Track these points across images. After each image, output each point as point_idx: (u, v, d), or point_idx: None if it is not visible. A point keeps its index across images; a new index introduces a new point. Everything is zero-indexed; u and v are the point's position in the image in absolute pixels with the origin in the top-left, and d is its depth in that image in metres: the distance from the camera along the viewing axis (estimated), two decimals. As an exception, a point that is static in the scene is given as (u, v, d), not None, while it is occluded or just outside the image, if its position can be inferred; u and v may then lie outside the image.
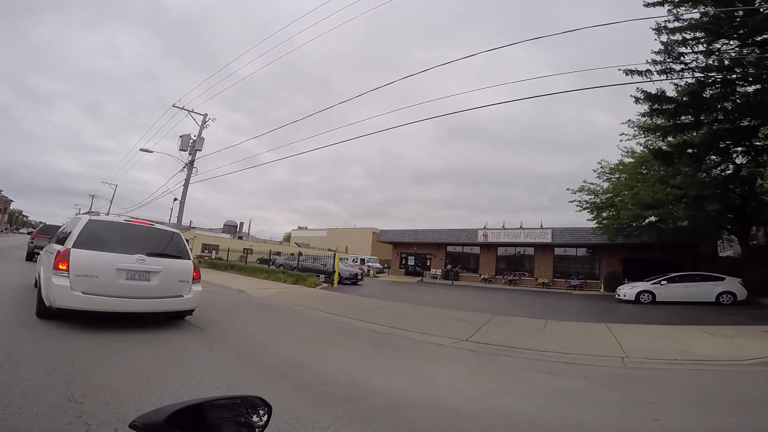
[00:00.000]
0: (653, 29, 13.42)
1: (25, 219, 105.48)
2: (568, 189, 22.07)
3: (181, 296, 5.50)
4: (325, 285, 16.41)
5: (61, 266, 4.62)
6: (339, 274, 17.77)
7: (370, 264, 34.52)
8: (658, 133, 15.62)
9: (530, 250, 27.76)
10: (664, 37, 13.48)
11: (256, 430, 0.87)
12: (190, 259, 5.87)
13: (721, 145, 15.03)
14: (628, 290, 17.04)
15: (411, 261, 33.59)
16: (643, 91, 14.20)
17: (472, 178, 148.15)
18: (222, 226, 52.53)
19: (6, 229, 65.84)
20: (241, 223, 58.78)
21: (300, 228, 76.42)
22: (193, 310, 5.79)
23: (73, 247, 4.81)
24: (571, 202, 22.04)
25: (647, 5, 13.26)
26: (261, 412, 0.92)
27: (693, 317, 10.76)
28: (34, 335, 4.29)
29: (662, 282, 16.59)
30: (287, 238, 72.58)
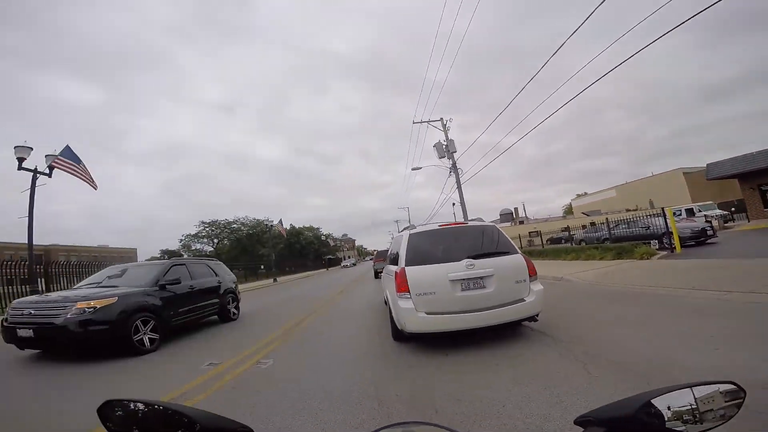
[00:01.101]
0: None
1: (365, 250, 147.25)
2: None
3: (523, 300, 4.47)
4: (662, 253, 12.26)
5: (402, 288, 4.46)
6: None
7: (706, 213, 24.99)
8: None
9: None
10: None
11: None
12: (517, 252, 4.82)
13: None
14: None
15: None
16: None
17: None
18: (498, 217, 53.33)
19: (357, 261, 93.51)
20: (516, 209, 57.81)
21: (579, 195, 67.43)
22: (537, 315, 4.66)
23: (406, 265, 4.60)
24: None
25: None
26: (728, 399, 0.74)
27: None
28: (396, 364, 4.15)
29: None
30: (569, 210, 65.64)
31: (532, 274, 4.65)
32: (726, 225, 24.77)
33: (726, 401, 0.75)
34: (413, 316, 4.31)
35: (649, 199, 43.35)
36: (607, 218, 17.82)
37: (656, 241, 13.44)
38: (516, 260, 4.66)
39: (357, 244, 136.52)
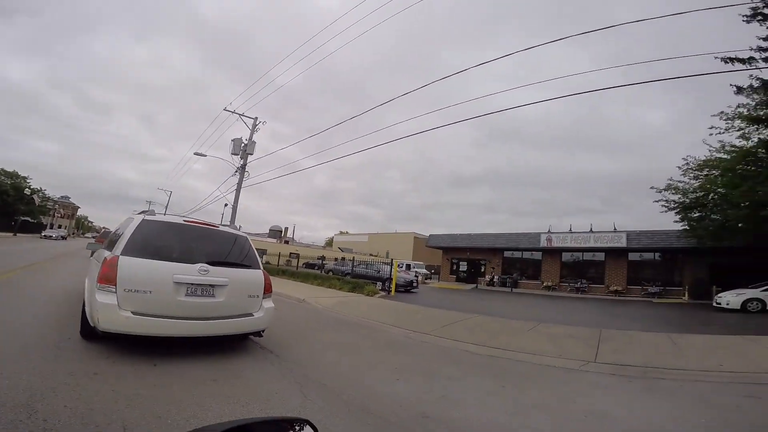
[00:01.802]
0: (745, 16, 12.17)
1: (90, 224, 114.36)
2: (652, 188, 19.84)
3: (251, 315, 4.48)
4: (382, 293, 15.28)
5: (108, 279, 3.68)
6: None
7: (417, 270, 33.13)
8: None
9: (600, 256, 25.25)
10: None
11: None
12: (260, 268, 4.84)
13: None
14: (731, 298, 15.32)
15: (463, 267, 31.80)
16: (760, 79, 12.93)
17: (515, 180, 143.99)
18: (267, 231, 53.26)
19: (74, 233, 71.23)
20: (286, 228, 59.45)
21: (341, 233, 76.54)
22: (263, 331, 4.78)
23: (122, 254, 3.84)
24: (657, 201, 19.80)
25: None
26: None
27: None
28: (74, 370, 3.27)
29: (777, 289, 14.65)
30: (329, 243, 72.85)
31: (268, 291, 4.74)
32: (426, 281, 33.53)
33: None
34: (112, 314, 3.59)
35: (387, 251, 53.90)
36: (353, 257, 21.04)
37: (381, 283, 16.70)
38: (255, 275, 4.66)
39: (81, 213, 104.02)
